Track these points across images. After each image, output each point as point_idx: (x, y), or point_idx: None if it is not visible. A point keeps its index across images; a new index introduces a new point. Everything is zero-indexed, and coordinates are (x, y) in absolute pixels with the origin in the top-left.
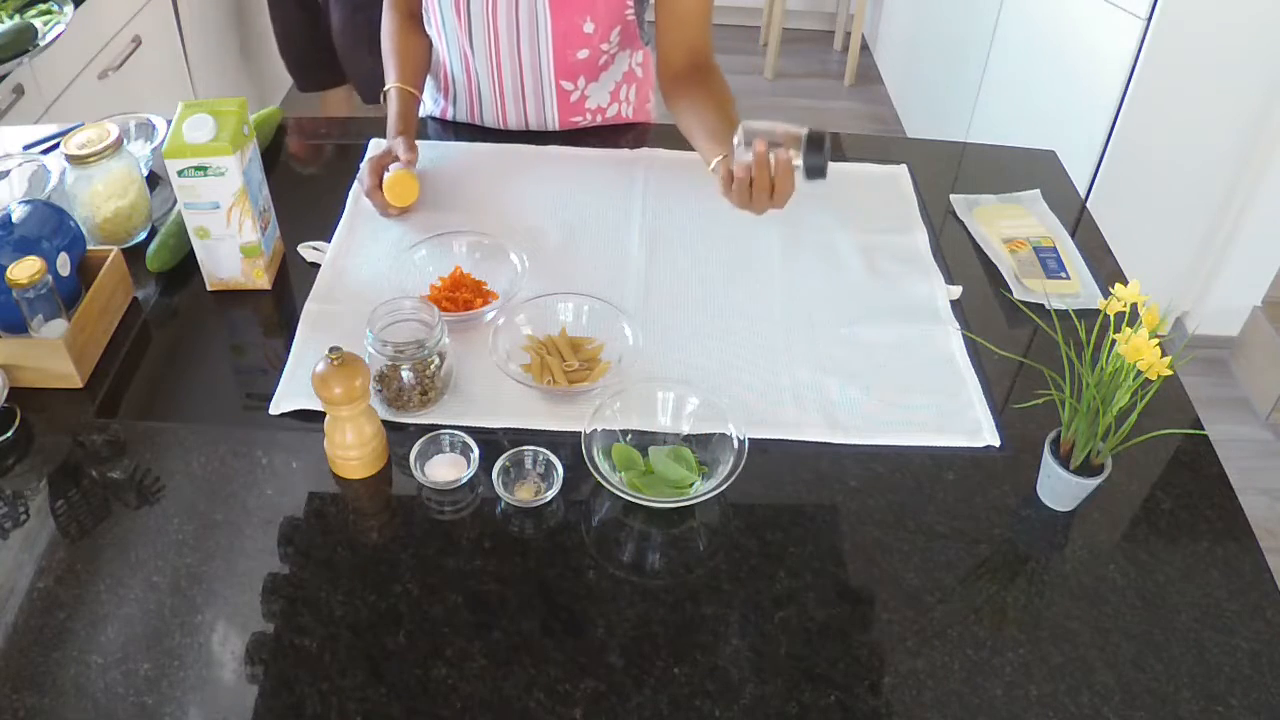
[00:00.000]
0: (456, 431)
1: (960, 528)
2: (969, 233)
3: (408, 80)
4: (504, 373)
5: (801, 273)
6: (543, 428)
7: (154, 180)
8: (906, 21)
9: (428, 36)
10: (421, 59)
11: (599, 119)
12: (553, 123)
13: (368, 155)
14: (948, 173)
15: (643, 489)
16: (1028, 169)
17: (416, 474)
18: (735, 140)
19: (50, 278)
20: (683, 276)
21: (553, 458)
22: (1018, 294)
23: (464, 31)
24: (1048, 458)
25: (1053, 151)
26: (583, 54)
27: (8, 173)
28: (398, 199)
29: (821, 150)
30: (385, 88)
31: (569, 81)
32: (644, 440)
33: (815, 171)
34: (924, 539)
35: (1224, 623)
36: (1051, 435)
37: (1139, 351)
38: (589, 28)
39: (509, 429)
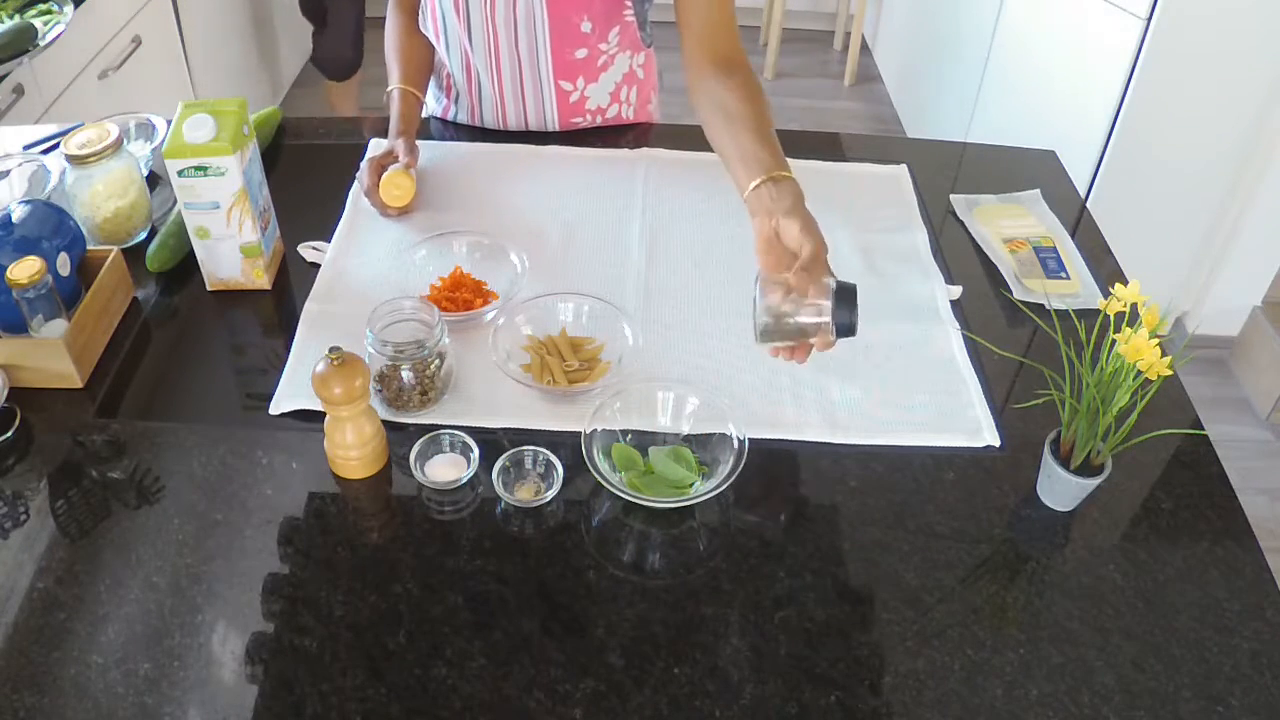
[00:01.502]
0: (456, 431)
1: (960, 528)
2: (969, 233)
3: (410, 81)
4: (504, 373)
5: None
6: (543, 428)
7: (154, 180)
8: (906, 21)
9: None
10: (425, 60)
11: (599, 119)
12: (552, 123)
13: (368, 155)
14: (948, 173)
15: (643, 489)
16: (1028, 169)
17: (416, 474)
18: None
19: (50, 278)
20: (683, 276)
21: (553, 458)
22: (1018, 294)
23: (463, 29)
24: (1048, 458)
25: (1053, 151)
26: (581, 53)
27: (8, 173)
28: (393, 200)
29: (853, 305)
30: (388, 88)
31: (568, 81)
32: (644, 440)
33: (845, 330)
34: (924, 539)
35: (1224, 623)
36: (1051, 435)
37: (1139, 351)
38: (586, 26)
39: (509, 429)
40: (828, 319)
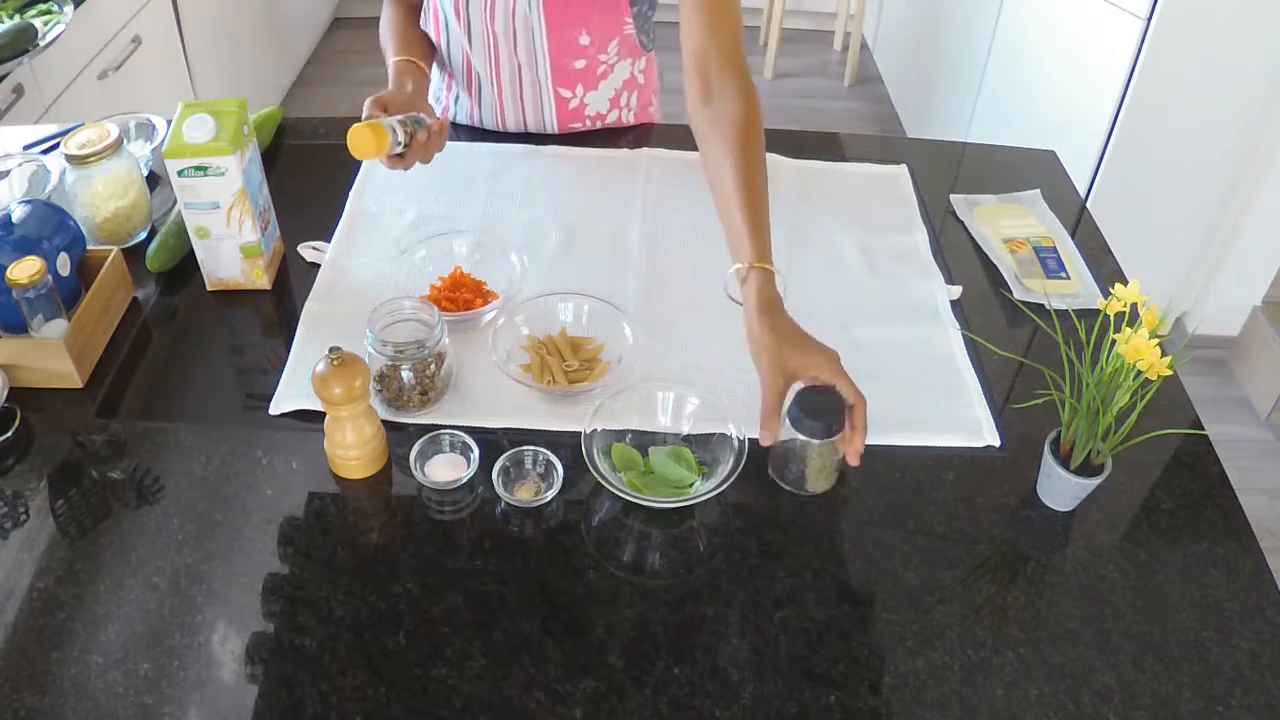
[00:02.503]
0: (456, 431)
1: (960, 528)
2: (969, 233)
3: (408, 54)
4: (504, 373)
5: (802, 272)
6: (543, 428)
7: (154, 180)
8: (906, 21)
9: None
10: (424, 44)
11: (599, 124)
12: (551, 126)
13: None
14: (948, 173)
15: (643, 489)
16: (1028, 169)
17: (416, 474)
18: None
19: (50, 278)
20: (683, 276)
21: (553, 458)
22: (1018, 294)
23: (464, 35)
24: (1048, 458)
25: (1053, 151)
26: (579, 64)
27: (8, 173)
28: (356, 150)
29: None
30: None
31: (566, 89)
32: (644, 440)
33: (824, 432)
34: (924, 539)
35: (1224, 623)
36: (1051, 435)
37: (1139, 351)
38: (585, 40)
39: (509, 429)
40: (799, 438)
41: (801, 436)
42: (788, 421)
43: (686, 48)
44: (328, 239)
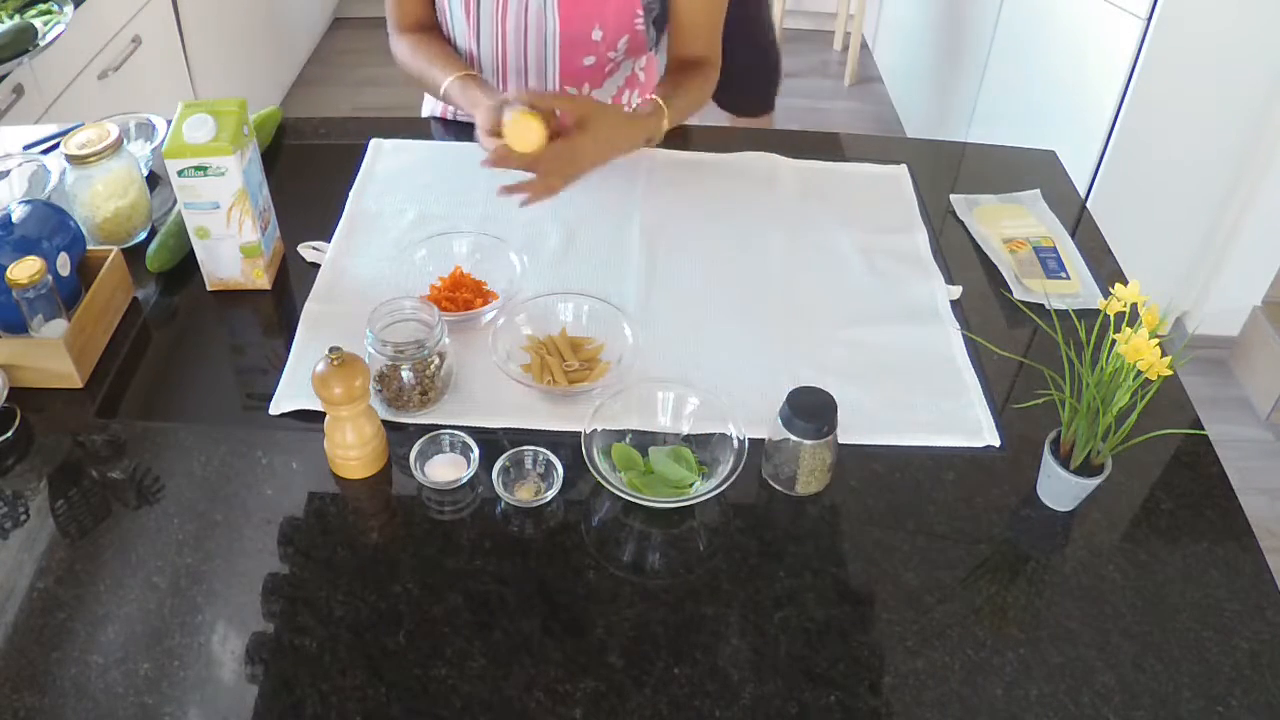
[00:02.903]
0: (456, 431)
1: (960, 528)
2: (969, 233)
3: (461, 69)
4: (504, 373)
5: (802, 272)
6: (543, 428)
7: (154, 180)
8: (906, 21)
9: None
10: (460, 57)
11: None
12: None
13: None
14: (948, 173)
15: (643, 489)
16: (1028, 169)
17: (416, 474)
18: None
19: (50, 278)
20: (683, 276)
21: (553, 458)
22: (1018, 294)
23: (472, 32)
24: (1048, 458)
25: (1053, 151)
26: (589, 60)
27: (8, 173)
28: (520, 143)
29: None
30: (441, 90)
31: (572, 87)
32: (644, 440)
33: (816, 432)
34: (924, 539)
35: (1224, 623)
36: (1051, 435)
37: (1139, 351)
38: (597, 35)
39: (509, 429)
40: (791, 439)
41: (793, 437)
42: (779, 422)
43: (672, 26)
44: (328, 239)
